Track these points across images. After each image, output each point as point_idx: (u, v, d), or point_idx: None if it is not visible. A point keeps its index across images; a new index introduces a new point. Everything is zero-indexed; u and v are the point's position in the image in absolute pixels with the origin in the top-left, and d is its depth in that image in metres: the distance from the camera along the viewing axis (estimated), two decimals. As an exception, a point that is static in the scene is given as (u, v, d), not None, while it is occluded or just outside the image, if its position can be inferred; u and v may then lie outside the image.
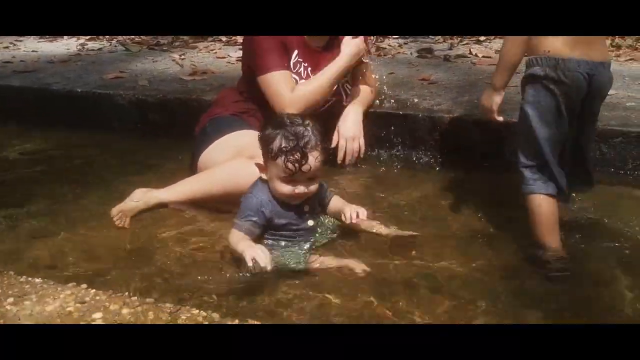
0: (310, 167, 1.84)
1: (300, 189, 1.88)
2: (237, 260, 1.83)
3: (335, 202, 2.10)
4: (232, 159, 2.26)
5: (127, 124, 3.41)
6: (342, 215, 2.01)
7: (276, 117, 2.02)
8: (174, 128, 3.26)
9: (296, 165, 1.82)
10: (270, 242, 1.93)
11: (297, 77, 2.50)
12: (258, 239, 1.91)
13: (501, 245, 2.06)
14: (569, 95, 1.87)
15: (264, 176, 1.93)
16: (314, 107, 2.45)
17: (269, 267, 1.72)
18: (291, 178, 1.85)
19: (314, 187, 1.92)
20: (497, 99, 2.02)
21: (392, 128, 2.86)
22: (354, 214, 1.97)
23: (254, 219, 1.88)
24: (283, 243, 1.93)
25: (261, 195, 1.92)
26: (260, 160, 1.94)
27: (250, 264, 1.72)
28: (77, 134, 3.34)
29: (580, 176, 2.06)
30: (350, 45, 2.55)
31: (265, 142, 1.88)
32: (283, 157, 1.82)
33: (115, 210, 2.22)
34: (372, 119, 2.83)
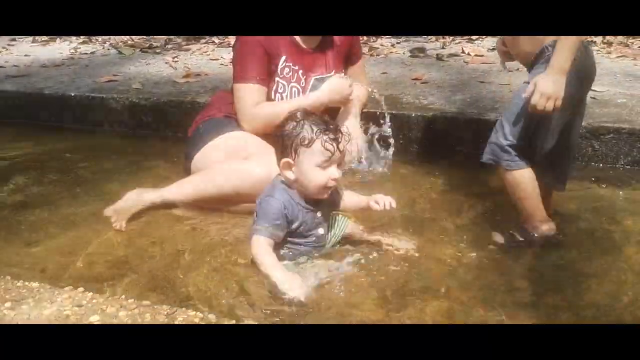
0: (344, 147, 1.86)
1: (334, 173, 1.86)
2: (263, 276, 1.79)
3: (352, 196, 2.07)
4: (226, 160, 2.26)
5: (120, 127, 3.42)
6: (371, 204, 1.96)
7: (288, 116, 1.94)
8: (167, 130, 3.27)
9: (334, 144, 1.82)
10: (282, 251, 1.91)
11: (284, 82, 2.48)
12: (278, 245, 1.89)
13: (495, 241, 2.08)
14: (589, 82, 1.90)
15: (289, 175, 1.88)
16: (272, 128, 2.23)
17: (303, 299, 1.70)
18: (328, 162, 1.84)
19: (340, 174, 1.90)
20: None
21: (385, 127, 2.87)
22: (387, 202, 1.94)
23: (278, 222, 1.84)
24: (297, 248, 1.91)
25: (283, 197, 1.89)
26: (258, 160, 1.93)
27: (286, 296, 1.71)
28: (70, 137, 3.35)
29: (557, 175, 2.10)
30: (334, 84, 2.49)
31: (293, 136, 1.85)
32: (320, 140, 1.82)
33: (110, 211, 2.23)
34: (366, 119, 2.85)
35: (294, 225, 1.88)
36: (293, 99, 2.45)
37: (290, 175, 1.87)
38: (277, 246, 1.88)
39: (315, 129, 1.82)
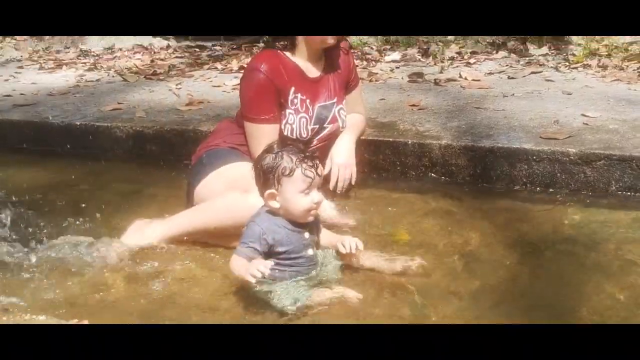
0: (322, 171, 2.00)
1: (316, 197, 1.97)
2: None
3: (326, 234, 2.17)
4: (226, 192, 2.33)
5: (125, 155, 3.50)
6: (338, 246, 2.06)
7: (265, 149, 2.07)
8: (171, 158, 3.35)
9: (313, 170, 1.95)
10: (273, 273, 1.96)
11: (294, 113, 2.55)
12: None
13: (490, 266, 2.14)
14: None
15: (274, 204, 1.98)
16: None
17: (267, 273, 1.86)
18: (309, 188, 1.95)
19: (322, 196, 2.02)
20: None
21: (382, 155, 2.95)
22: (353, 244, 2.04)
23: (255, 245, 1.95)
24: (287, 271, 1.99)
25: (263, 223, 1.99)
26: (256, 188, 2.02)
27: (253, 280, 1.86)
28: (75, 166, 3.41)
29: None
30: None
31: (272, 168, 1.96)
32: (300, 168, 1.93)
33: (111, 249, 2.29)
34: (364, 146, 2.92)
35: (281, 249, 1.98)
36: None
37: (275, 204, 1.99)
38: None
39: (294, 158, 1.94)
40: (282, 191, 1.96)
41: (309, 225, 2.04)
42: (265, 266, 1.87)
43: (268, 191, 1.98)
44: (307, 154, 1.98)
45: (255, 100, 2.51)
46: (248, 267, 1.89)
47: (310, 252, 2.03)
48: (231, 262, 1.97)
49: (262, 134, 2.48)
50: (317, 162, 1.97)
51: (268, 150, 2.02)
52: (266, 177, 1.97)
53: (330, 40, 2.52)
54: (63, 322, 1.70)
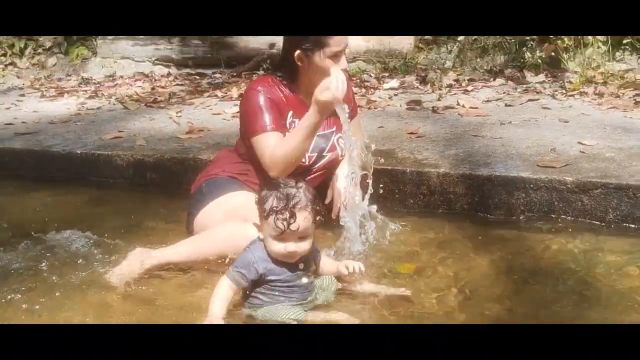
0: (299, 227, 1.96)
1: (291, 247, 1.98)
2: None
3: (327, 261, 2.19)
4: (225, 222, 2.35)
5: (125, 184, 3.52)
6: (340, 269, 2.10)
7: (273, 180, 2.15)
8: (171, 187, 3.37)
9: (284, 223, 1.94)
10: (266, 299, 2.03)
11: None
12: (245, 294, 2.06)
13: (488, 295, 2.15)
14: None
15: (260, 235, 2.05)
16: (295, 165, 2.49)
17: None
18: (282, 236, 1.97)
19: (305, 246, 2.02)
20: None
21: (380, 183, 2.96)
22: (356, 266, 2.08)
23: (244, 271, 2.00)
24: (281, 298, 2.02)
25: (256, 251, 2.04)
26: (256, 220, 2.06)
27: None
28: (76, 193, 3.44)
29: None
30: (317, 90, 2.42)
31: (260, 203, 2.02)
32: (273, 216, 1.96)
33: (112, 275, 2.30)
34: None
35: (272, 277, 2.01)
36: (291, 133, 2.49)
37: (260, 235, 2.06)
38: (264, 296, 2.03)
39: (273, 204, 1.97)
40: (262, 227, 2.04)
41: (302, 258, 2.06)
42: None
43: (254, 222, 2.07)
44: (292, 203, 1.96)
45: (257, 114, 2.51)
46: (212, 313, 1.95)
47: (304, 280, 2.06)
48: (218, 283, 2.02)
49: (265, 142, 2.48)
50: (295, 218, 1.95)
51: (271, 183, 2.09)
52: (258, 209, 2.04)
53: None
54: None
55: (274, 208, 1.96)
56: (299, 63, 2.49)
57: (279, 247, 1.98)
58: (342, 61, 2.50)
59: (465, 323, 1.98)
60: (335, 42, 2.44)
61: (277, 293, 2.02)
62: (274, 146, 2.46)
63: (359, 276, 2.12)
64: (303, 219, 1.97)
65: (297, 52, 2.46)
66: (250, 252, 2.04)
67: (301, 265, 2.05)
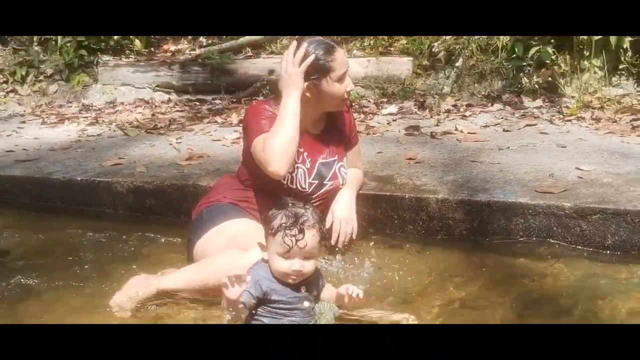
0: (307, 244, 1.99)
1: (296, 265, 2.00)
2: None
3: (328, 289, 2.21)
4: (225, 250, 2.35)
5: (126, 210, 3.53)
6: (341, 294, 2.10)
7: (281, 199, 2.16)
8: (171, 213, 3.38)
9: (292, 239, 1.97)
10: (268, 321, 2.03)
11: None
12: (250, 315, 2.05)
13: (487, 320, 2.15)
14: None
15: (265, 256, 2.08)
16: (291, 156, 2.45)
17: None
18: (288, 254, 1.99)
19: (310, 267, 2.04)
20: None
21: (379, 209, 2.98)
22: (355, 291, 2.07)
23: (251, 290, 2.00)
24: (284, 320, 2.02)
25: (260, 271, 2.06)
26: (255, 249, 2.08)
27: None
28: (76, 220, 3.46)
29: None
30: (282, 82, 2.51)
31: (267, 221, 2.05)
32: (282, 232, 1.98)
33: (113, 302, 2.31)
34: (362, 200, 2.96)
35: (275, 297, 2.02)
36: (278, 116, 2.47)
37: (265, 255, 2.07)
38: (266, 318, 2.04)
39: (282, 221, 2.00)
40: (268, 246, 2.05)
41: (305, 281, 2.06)
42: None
43: (259, 242, 2.10)
44: (301, 221, 2.00)
45: (254, 122, 2.54)
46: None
47: (306, 304, 2.06)
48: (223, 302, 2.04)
49: (258, 143, 2.48)
50: (303, 235, 1.98)
51: (279, 202, 2.11)
52: (265, 227, 2.07)
53: (341, 106, 2.60)
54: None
55: (283, 224, 1.99)
56: (308, 94, 2.51)
57: (284, 266, 2.00)
58: (348, 82, 2.56)
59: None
60: (339, 65, 2.50)
61: (278, 315, 2.03)
62: (265, 139, 2.45)
63: (358, 302, 2.11)
64: (311, 237, 2.00)
65: (306, 84, 2.49)
66: (254, 271, 2.06)
67: (303, 289, 2.05)
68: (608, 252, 2.63)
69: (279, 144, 2.41)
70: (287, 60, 2.48)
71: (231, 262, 2.28)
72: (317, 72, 2.48)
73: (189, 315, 2.27)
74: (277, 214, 2.04)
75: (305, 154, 2.63)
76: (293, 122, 2.44)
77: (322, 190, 2.67)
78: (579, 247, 2.67)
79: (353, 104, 5.26)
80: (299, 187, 2.59)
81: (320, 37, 2.53)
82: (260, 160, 2.46)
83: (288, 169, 2.46)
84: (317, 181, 2.64)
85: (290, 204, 2.07)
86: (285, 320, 2.03)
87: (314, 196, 2.64)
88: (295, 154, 2.50)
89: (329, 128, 2.73)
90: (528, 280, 2.45)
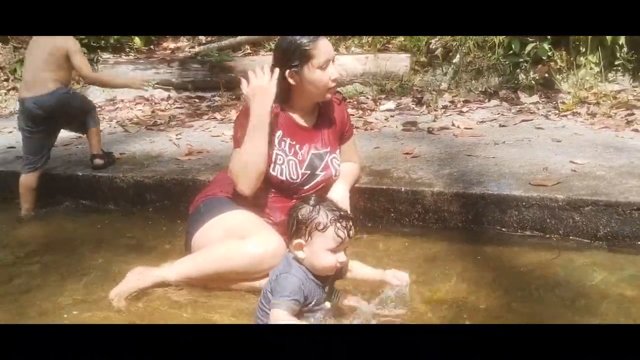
0: (354, 232, 2.02)
1: (342, 257, 2.02)
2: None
3: (362, 267, 2.25)
4: (223, 240, 2.39)
5: (126, 205, 3.58)
6: (388, 279, 2.15)
7: (302, 201, 2.13)
8: (170, 208, 3.42)
9: (345, 232, 1.98)
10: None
11: (283, 155, 2.61)
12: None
13: (481, 311, 2.19)
14: None
15: (299, 254, 2.02)
16: (258, 174, 2.51)
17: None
18: (339, 247, 1.99)
19: (345, 258, 2.07)
20: None
21: (376, 202, 3.02)
22: (405, 278, 2.13)
23: (297, 297, 1.95)
24: (311, 319, 2.02)
25: (298, 273, 2.01)
26: (252, 238, 2.10)
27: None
28: (76, 215, 3.53)
29: None
30: (250, 97, 2.55)
31: (308, 220, 2.01)
32: (334, 226, 1.98)
33: (112, 293, 2.35)
34: (358, 194, 3.00)
35: (308, 300, 2.00)
36: (247, 132, 2.52)
37: (301, 254, 2.02)
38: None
39: (330, 216, 1.99)
40: (311, 244, 2.00)
41: (329, 281, 2.09)
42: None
43: (297, 241, 2.03)
44: (343, 213, 2.02)
45: (238, 130, 2.60)
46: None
47: (327, 305, 2.07)
48: (274, 316, 1.93)
49: (233, 157, 2.55)
50: (351, 223, 2.00)
51: (305, 200, 2.09)
52: (299, 227, 2.02)
53: (327, 95, 2.62)
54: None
55: (332, 219, 1.98)
56: (292, 82, 2.56)
57: (331, 260, 1.99)
58: (332, 70, 2.54)
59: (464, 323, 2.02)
60: (321, 53, 2.50)
61: (303, 318, 2.00)
62: (233, 157, 2.52)
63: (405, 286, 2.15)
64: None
65: (287, 71, 2.53)
66: (294, 276, 2.00)
67: (326, 289, 2.07)
68: (600, 242, 2.68)
69: (241, 165, 2.51)
70: (258, 71, 2.53)
71: (229, 251, 2.32)
72: (297, 59, 2.49)
73: (187, 313, 2.31)
74: (317, 210, 2.00)
75: (298, 146, 2.66)
76: (259, 137, 2.50)
77: (313, 181, 2.69)
78: (572, 238, 2.72)
79: (351, 100, 5.31)
80: (288, 179, 2.62)
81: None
82: (232, 178, 2.56)
83: (253, 187, 2.51)
84: (309, 171, 2.67)
85: (314, 201, 2.04)
86: (312, 320, 2.01)
87: (305, 187, 2.67)
88: (264, 168, 2.53)
89: (322, 120, 2.76)
90: (521, 271, 2.49)
